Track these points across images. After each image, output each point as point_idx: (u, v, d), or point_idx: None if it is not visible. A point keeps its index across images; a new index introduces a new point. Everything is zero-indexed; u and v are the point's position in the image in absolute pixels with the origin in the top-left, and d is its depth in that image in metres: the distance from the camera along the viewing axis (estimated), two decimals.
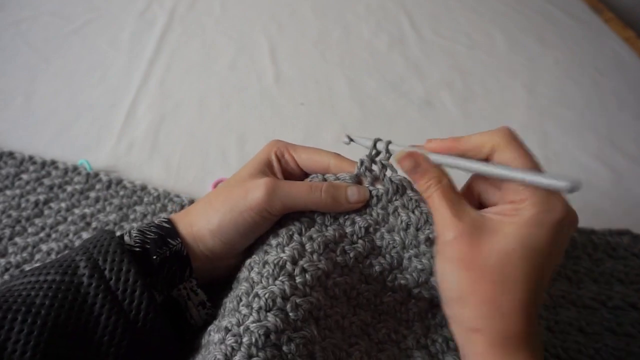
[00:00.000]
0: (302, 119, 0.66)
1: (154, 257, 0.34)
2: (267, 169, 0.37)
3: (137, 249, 0.34)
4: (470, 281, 0.30)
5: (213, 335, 0.33)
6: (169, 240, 0.35)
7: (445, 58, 0.79)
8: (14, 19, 0.79)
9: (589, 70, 0.79)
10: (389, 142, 0.37)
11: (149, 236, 0.35)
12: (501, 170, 0.30)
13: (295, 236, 0.35)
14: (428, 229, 0.34)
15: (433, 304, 0.39)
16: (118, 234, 0.48)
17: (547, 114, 0.70)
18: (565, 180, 0.27)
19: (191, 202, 0.52)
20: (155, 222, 0.36)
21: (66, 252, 0.35)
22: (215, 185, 0.56)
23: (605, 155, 0.64)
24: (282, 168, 0.38)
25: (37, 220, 0.50)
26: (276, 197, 0.34)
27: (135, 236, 0.35)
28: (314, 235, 0.35)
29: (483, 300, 0.30)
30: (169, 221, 0.36)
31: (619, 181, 0.61)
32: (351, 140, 0.39)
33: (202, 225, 0.35)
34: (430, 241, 0.34)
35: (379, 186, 0.36)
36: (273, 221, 0.36)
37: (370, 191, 0.36)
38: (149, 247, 0.34)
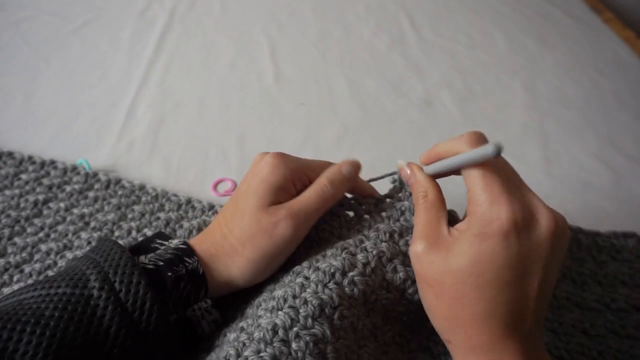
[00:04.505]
0: (302, 119, 0.66)
1: (169, 273, 0.33)
2: (279, 197, 0.36)
3: (151, 267, 0.34)
4: (433, 297, 0.31)
5: (229, 335, 0.34)
6: (185, 259, 0.34)
7: (445, 58, 0.79)
8: (14, 19, 0.79)
9: (589, 70, 0.78)
10: (405, 164, 0.39)
11: (165, 257, 0.34)
12: (444, 162, 0.33)
13: (321, 252, 0.36)
14: None
15: None
16: (117, 233, 0.48)
17: (547, 114, 0.70)
18: (489, 146, 0.28)
19: (187, 200, 0.52)
20: (172, 246, 0.36)
21: (75, 263, 0.34)
22: (215, 185, 0.56)
23: (605, 155, 0.64)
24: (298, 190, 0.38)
25: (36, 220, 0.49)
26: (303, 225, 0.35)
27: (151, 256, 0.35)
28: (337, 244, 0.36)
29: (444, 315, 0.31)
30: (185, 242, 0.36)
31: (619, 181, 0.61)
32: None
33: (235, 276, 0.35)
34: None
35: (404, 202, 0.38)
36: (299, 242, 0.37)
37: (395, 205, 0.38)
38: (162, 264, 0.34)
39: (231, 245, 0.35)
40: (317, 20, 0.85)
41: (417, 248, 0.32)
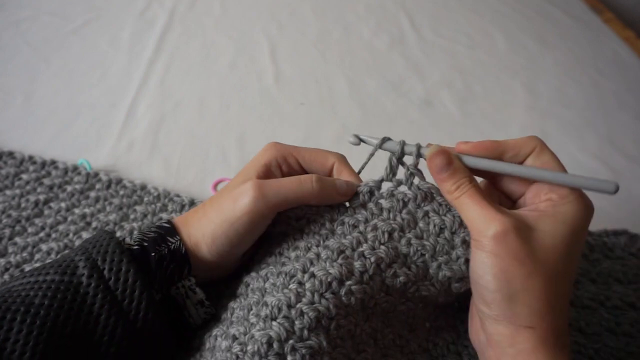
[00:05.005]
0: (302, 119, 0.66)
1: (152, 254, 0.34)
2: (263, 176, 0.36)
3: (136, 247, 0.34)
4: (523, 277, 0.29)
5: (220, 341, 0.33)
6: (168, 238, 0.35)
7: (445, 58, 0.79)
8: (14, 19, 0.79)
9: (589, 70, 0.79)
10: (419, 147, 0.35)
11: (148, 235, 0.35)
12: (546, 173, 0.32)
13: (313, 248, 0.34)
14: (463, 232, 0.33)
15: (436, 307, 0.39)
16: (119, 234, 0.48)
17: (547, 114, 0.70)
18: (609, 183, 0.31)
19: (191, 202, 0.52)
20: (157, 223, 0.36)
21: (65, 252, 0.35)
22: (215, 185, 0.56)
23: (605, 155, 0.64)
24: (284, 173, 0.38)
25: (37, 220, 0.49)
26: (265, 198, 0.34)
27: (135, 235, 0.35)
28: (330, 244, 0.34)
29: (537, 296, 0.29)
30: (169, 222, 0.36)
31: (619, 181, 0.60)
32: (361, 140, 0.38)
33: (198, 238, 0.35)
34: (466, 244, 0.33)
35: (405, 190, 0.35)
36: (267, 223, 0.36)
37: (395, 195, 0.35)
38: (147, 244, 0.34)
39: (204, 211, 0.36)
40: (317, 20, 0.85)
41: (495, 230, 0.30)
